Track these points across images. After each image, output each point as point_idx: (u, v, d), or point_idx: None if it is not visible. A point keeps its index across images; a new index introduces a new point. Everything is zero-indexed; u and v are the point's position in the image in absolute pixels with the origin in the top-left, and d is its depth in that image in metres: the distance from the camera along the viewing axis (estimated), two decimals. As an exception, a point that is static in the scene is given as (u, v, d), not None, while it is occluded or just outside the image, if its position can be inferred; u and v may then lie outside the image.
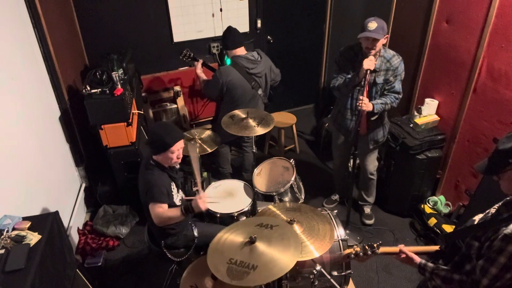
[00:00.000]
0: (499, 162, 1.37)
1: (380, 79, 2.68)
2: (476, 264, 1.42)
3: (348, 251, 1.77)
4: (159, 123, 2.22)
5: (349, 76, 2.69)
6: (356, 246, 1.78)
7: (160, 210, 2.10)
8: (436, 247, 1.76)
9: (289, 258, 1.66)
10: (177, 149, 2.15)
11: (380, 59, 2.65)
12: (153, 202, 2.10)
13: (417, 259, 1.69)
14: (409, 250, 1.72)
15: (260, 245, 1.73)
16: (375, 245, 1.73)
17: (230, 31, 3.11)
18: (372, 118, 2.77)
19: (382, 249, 1.74)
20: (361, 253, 1.75)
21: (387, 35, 2.57)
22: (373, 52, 2.51)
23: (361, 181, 3.33)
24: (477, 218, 1.62)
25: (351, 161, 2.96)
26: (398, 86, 2.70)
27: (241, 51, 3.12)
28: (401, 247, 1.74)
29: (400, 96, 2.74)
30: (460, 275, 1.49)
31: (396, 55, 2.67)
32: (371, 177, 3.20)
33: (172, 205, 2.20)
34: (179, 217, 2.10)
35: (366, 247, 1.73)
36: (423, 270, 1.64)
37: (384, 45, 2.64)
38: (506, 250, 1.32)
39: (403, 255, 1.72)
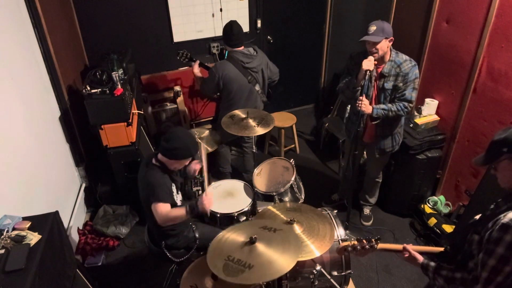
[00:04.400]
0: (494, 151, 1.43)
1: (388, 85, 2.59)
2: (477, 258, 1.41)
3: (345, 243, 1.75)
4: (182, 130, 2.21)
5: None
6: (353, 240, 1.74)
7: (164, 209, 2.10)
8: (440, 249, 1.74)
9: (286, 262, 1.65)
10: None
11: (390, 63, 2.57)
12: (157, 201, 2.10)
13: (420, 258, 1.67)
14: (413, 249, 1.71)
15: (260, 246, 1.73)
16: (373, 239, 1.69)
17: (232, 29, 3.06)
18: (374, 122, 2.74)
19: (382, 245, 1.72)
20: (358, 247, 1.71)
21: (391, 37, 2.49)
22: (376, 55, 2.48)
23: (365, 181, 3.33)
24: (478, 217, 1.61)
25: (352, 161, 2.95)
26: (409, 94, 2.57)
27: (240, 48, 3.13)
28: (405, 245, 1.72)
29: (411, 105, 2.60)
30: (462, 273, 1.48)
31: (409, 60, 2.56)
32: (376, 180, 3.21)
33: (173, 205, 2.20)
34: (184, 217, 2.13)
35: (364, 240, 1.70)
36: (425, 270, 1.63)
37: (395, 48, 2.57)
38: (504, 240, 1.30)
39: (406, 254, 1.71)
